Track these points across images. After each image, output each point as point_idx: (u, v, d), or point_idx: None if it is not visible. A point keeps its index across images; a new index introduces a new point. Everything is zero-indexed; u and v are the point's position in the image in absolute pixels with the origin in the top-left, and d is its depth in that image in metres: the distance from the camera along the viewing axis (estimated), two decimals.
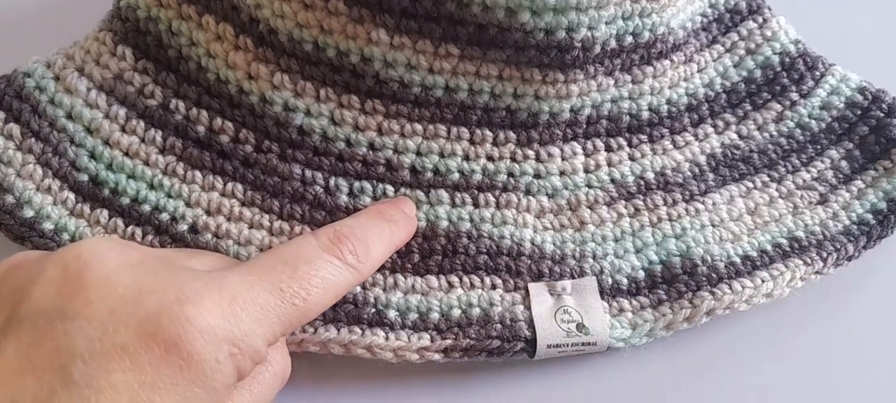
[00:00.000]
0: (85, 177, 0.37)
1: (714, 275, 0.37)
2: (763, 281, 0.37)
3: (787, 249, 0.38)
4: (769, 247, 0.38)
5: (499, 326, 0.35)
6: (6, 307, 0.27)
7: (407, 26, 0.36)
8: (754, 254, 0.38)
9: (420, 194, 0.38)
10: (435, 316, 0.36)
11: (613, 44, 0.37)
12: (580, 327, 0.36)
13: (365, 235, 0.33)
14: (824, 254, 0.38)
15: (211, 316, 0.27)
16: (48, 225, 0.36)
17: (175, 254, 0.32)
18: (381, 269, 0.37)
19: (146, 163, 0.38)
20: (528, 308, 0.36)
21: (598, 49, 0.37)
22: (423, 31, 0.36)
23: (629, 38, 0.38)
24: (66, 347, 0.26)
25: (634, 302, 0.37)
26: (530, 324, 0.36)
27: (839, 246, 0.38)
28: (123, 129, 0.38)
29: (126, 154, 0.38)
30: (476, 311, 0.36)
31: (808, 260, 0.37)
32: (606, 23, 0.36)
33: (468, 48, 0.37)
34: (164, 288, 0.27)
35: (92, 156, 0.37)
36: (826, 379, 0.37)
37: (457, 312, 0.36)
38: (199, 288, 0.27)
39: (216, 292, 0.28)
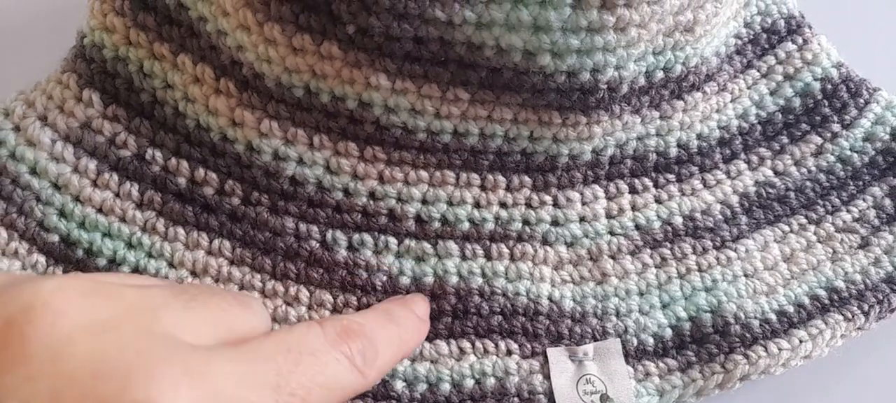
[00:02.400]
0: (55, 238, 0.35)
1: (748, 336, 0.36)
2: (801, 341, 0.36)
3: (827, 302, 0.36)
4: (806, 300, 0.37)
5: (516, 400, 0.35)
6: None
7: (410, 70, 0.34)
8: (791, 309, 0.36)
9: (427, 246, 0.36)
10: (446, 386, 0.35)
11: (642, 81, 0.35)
12: (604, 398, 0.34)
13: (374, 336, 0.30)
14: (866, 307, 0.36)
15: None
16: None
17: (162, 305, 0.25)
18: None
19: (123, 220, 0.35)
20: (548, 377, 0.35)
21: (625, 88, 0.34)
22: (429, 76, 0.34)
23: (660, 74, 0.35)
24: None
25: (661, 365, 0.36)
26: (550, 397, 0.35)
27: (882, 297, 0.37)
28: (95, 184, 0.36)
29: (99, 210, 0.35)
30: (490, 382, 0.35)
31: (849, 315, 0.36)
32: (635, 61, 0.33)
33: (479, 92, 0.34)
34: (127, 371, 0.22)
35: (61, 214, 0.35)
36: None
37: (470, 382, 0.35)
38: (174, 378, 0.22)
39: (198, 384, 0.23)
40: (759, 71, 0.40)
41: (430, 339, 0.35)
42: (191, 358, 0.23)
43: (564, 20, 0.31)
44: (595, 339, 0.36)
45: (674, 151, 0.38)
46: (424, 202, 0.36)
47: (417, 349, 0.35)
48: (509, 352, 0.35)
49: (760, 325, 0.36)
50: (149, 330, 0.24)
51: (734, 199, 0.39)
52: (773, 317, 0.36)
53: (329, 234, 0.36)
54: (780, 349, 0.35)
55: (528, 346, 0.36)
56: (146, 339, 0.23)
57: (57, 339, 0.22)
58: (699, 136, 0.39)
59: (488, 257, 0.37)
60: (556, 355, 0.35)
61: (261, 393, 0.24)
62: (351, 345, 0.28)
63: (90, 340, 0.22)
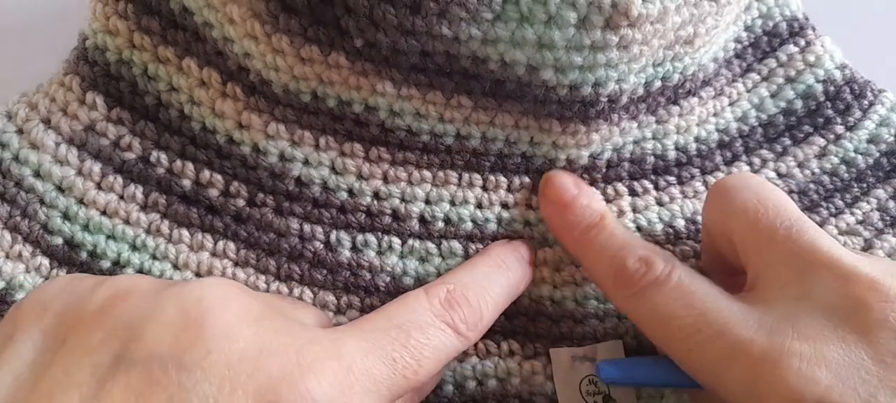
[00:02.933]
0: (59, 241, 0.35)
1: None
2: None
3: None
4: None
5: (517, 401, 0.34)
6: (115, 341, 0.26)
7: (416, 79, 0.34)
8: None
9: (431, 246, 0.36)
10: (448, 388, 0.36)
11: (641, 91, 0.35)
12: (607, 399, 0.35)
13: (479, 296, 0.33)
14: None
15: (329, 387, 0.26)
16: (21, 297, 0.34)
17: (282, 304, 0.32)
18: None
19: (127, 222, 0.36)
20: (550, 378, 0.36)
21: (625, 100, 0.34)
22: (434, 85, 0.34)
23: (658, 83, 0.36)
24: (179, 400, 0.25)
25: None
26: (552, 399, 0.36)
27: None
28: (99, 186, 0.36)
29: (104, 213, 0.36)
30: (492, 383, 0.36)
31: None
32: (636, 74, 0.33)
33: (482, 99, 0.35)
34: (285, 349, 0.27)
35: (65, 217, 0.36)
36: None
37: (472, 384, 0.36)
38: (319, 354, 0.27)
39: (335, 359, 0.27)
40: (759, 74, 0.40)
41: None
42: (326, 340, 0.28)
43: (568, 39, 0.31)
44: (597, 340, 0.37)
45: (672, 154, 0.39)
46: (428, 202, 0.37)
47: None
48: (511, 353, 0.36)
49: None
50: (289, 320, 0.29)
51: None
52: None
53: (333, 235, 0.36)
54: None
55: (531, 347, 0.36)
56: (292, 327, 0.28)
57: (227, 324, 0.26)
58: (697, 139, 0.39)
59: None
60: (559, 356, 0.36)
61: (381, 368, 0.28)
62: (454, 315, 0.31)
63: (250, 325, 0.27)
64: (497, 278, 0.34)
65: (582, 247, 0.35)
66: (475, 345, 0.36)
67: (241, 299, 0.28)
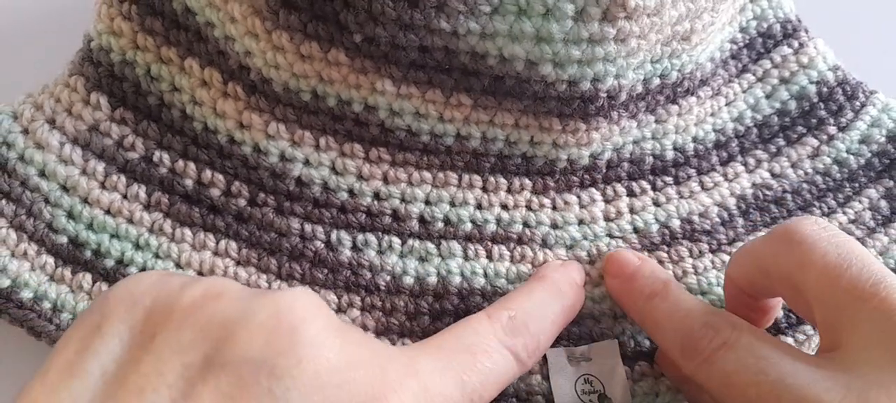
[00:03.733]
0: (64, 239, 0.36)
1: None
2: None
3: None
4: None
5: (514, 400, 0.35)
6: (206, 342, 0.25)
7: (415, 77, 0.34)
8: (780, 314, 0.37)
9: (431, 246, 0.37)
10: None
11: (639, 88, 0.36)
12: (602, 398, 0.35)
13: (539, 326, 0.33)
14: None
15: None
16: (27, 294, 0.35)
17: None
18: (388, 334, 0.36)
19: (130, 221, 0.36)
20: (546, 378, 0.36)
21: (624, 96, 0.35)
22: (433, 82, 0.34)
23: (656, 81, 0.36)
24: None
25: (656, 366, 0.36)
26: (548, 397, 0.36)
27: None
28: (103, 186, 0.36)
29: (107, 212, 0.36)
30: None
31: None
32: (634, 69, 0.34)
33: (482, 98, 0.35)
34: (370, 364, 0.27)
35: (70, 216, 0.36)
36: None
37: None
38: (400, 371, 0.27)
39: (413, 378, 0.27)
40: (754, 75, 0.41)
41: None
42: (405, 357, 0.28)
43: (566, 32, 0.32)
44: (593, 340, 0.37)
45: (670, 154, 0.39)
46: (428, 202, 0.37)
47: None
48: None
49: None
50: (365, 334, 0.30)
51: (731, 202, 0.40)
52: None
53: (334, 235, 0.37)
54: None
55: None
56: (371, 341, 0.29)
57: (317, 333, 0.26)
58: (695, 139, 0.40)
59: (490, 258, 0.38)
60: (555, 355, 0.36)
61: (453, 390, 0.28)
62: (517, 341, 0.31)
63: (337, 337, 0.26)
64: (553, 305, 0.34)
65: (647, 316, 0.35)
66: None
67: (326, 310, 0.27)
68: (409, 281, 0.37)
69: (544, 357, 0.36)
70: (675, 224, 0.39)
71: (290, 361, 0.25)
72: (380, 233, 0.37)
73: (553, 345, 0.37)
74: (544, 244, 0.38)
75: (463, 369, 0.29)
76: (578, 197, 0.39)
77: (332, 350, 0.26)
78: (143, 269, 0.36)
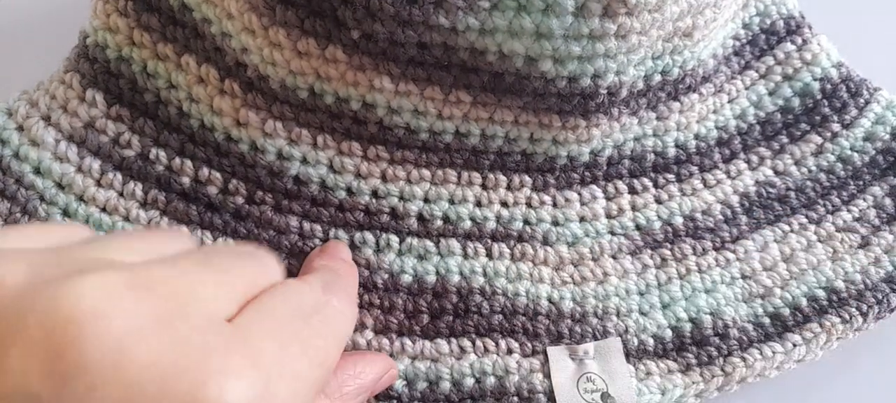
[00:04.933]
0: None
1: (745, 339, 0.36)
2: (795, 345, 0.37)
3: (825, 303, 0.37)
4: (804, 302, 0.37)
5: (516, 399, 0.35)
6: None
7: (414, 74, 0.34)
8: (787, 312, 0.37)
9: (429, 244, 0.37)
10: (446, 385, 0.35)
11: (640, 85, 0.35)
12: (605, 397, 0.35)
13: (337, 277, 0.32)
14: (864, 307, 0.37)
15: (248, 389, 0.22)
16: None
17: (198, 283, 0.24)
18: (387, 333, 0.35)
19: (126, 219, 0.36)
20: (548, 376, 0.36)
21: (624, 93, 0.35)
22: (433, 79, 0.34)
23: (657, 77, 0.36)
24: None
25: (661, 365, 0.36)
26: (550, 395, 0.35)
27: (881, 297, 0.37)
28: (99, 183, 0.36)
29: (103, 210, 0.36)
30: (490, 380, 0.35)
31: (846, 317, 0.37)
32: (635, 66, 0.34)
33: (481, 95, 0.35)
34: (195, 368, 0.22)
35: (65, 213, 0.36)
36: None
37: (470, 381, 0.35)
38: (235, 365, 0.22)
39: (252, 367, 0.23)
40: (757, 72, 0.41)
41: (431, 337, 0.36)
42: (240, 343, 0.23)
43: (566, 28, 0.31)
44: (595, 338, 0.36)
45: (672, 151, 0.39)
46: (426, 200, 0.37)
47: (419, 348, 0.36)
48: (510, 351, 0.36)
49: (754, 329, 0.37)
50: (196, 319, 0.23)
51: (734, 199, 0.39)
52: (768, 321, 0.37)
53: (332, 232, 0.37)
54: (773, 352, 0.36)
55: (529, 345, 0.36)
56: (199, 332, 0.23)
57: (113, 345, 0.20)
58: (697, 136, 0.39)
59: (490, 256, 0.37)
60: (557, 353, 0.36)
61: (299, 364, 0.25)
62: (332, 293, 0.29)
63: (147, 342, 0.21)
64: (340, 267, 0.34)
65: None
66: (473, 343, 0.36)
67: (127, 303, 0.21)
68: (407, 279, 0.37)
69: (545, 355, 0.36)
70: (678, 221, 0.38)
71: (77, 390, 0.20)
72: (378, 231, 0.37)
73: (555, 344, 0.36)
74: (545, 241, 0.38)
75: (300, 335, 0.25)
76: (579, 194, 0.38)
77: (136, 363, 0.20)
78: None
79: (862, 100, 0.40)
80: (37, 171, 0.36)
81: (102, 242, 0.25)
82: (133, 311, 0.21)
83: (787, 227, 0.39)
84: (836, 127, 0.40)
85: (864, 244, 0.38)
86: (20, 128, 0.36)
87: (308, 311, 0.27)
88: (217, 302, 0.24)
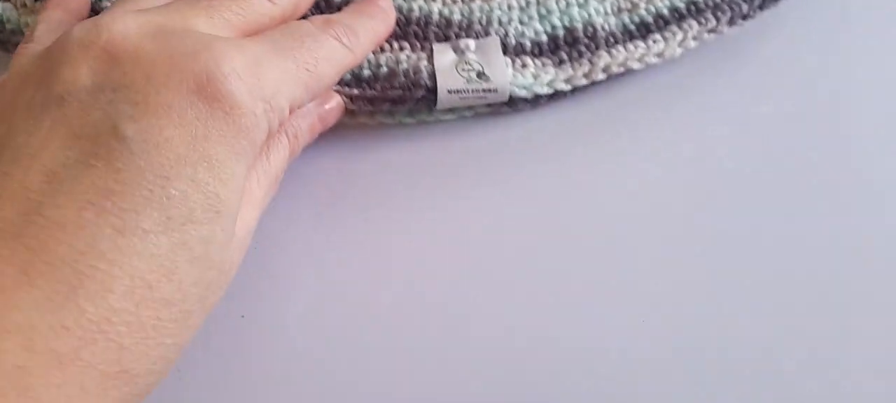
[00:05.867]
0: None
1: (612, 39, 0.41)
2: (655, 42, 0.40)
3: (685, 12, 0.41)
4: (666, 11, 0.41)
5: (403, 78, 0.39)
6: (41, 89, 0.28)
7: None
8: (650, 19, 0.41)
9: None
10: (346, 76, 0.40)
11: None
12: (480, 75, 0.39)
13: (353, 24, 0.36)
14: (719, 14, 0.41)
15: (244, 74, 0.29)
16: None
17: (192, 16, 0.32)
18: None
19: None
20: (432, 62, 0.39)
21: None
22: None
23: None
24: (114, 112, 0.27)
25: (537, 62, 0.40)
26: (432, 75, 0.40)
27: (735, 5, 0.41)
28: None
29: None
30: (384, 70, 0.40)
31: (703, 21, 0.41)
32: None
33: None
34: (195, 50, 0.29)
35: None
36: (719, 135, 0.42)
37: (367, 73, 0.40)
38: (228, 50, 0.29)
39: (241, 53, 0.30)
40: None
41: None
42: (229, 42, 0.30)
43: None
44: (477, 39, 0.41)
45: None
46: None
47: None
48: (401, 49, 0.41)
49: (622, 33, 0.41)
50: (193, 29, 0.31)
51: None
52: (633, 28, 0.42)
53: None
54: (636, 47, 0.41)
55: (419, 44, 0.41)
56: (195, 33, 0.30)
57: (133, 45, 0.29)
58: None
59: None
60: (441, 47, 0.41)
61: (285, 63, 0.31)
62: (336, 29, 0.35)
63: (154, 40, 0.29)
64: (365, 20, 0.38)
65: None
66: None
67: (137, 22, 0.30)
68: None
69: (432, 50, 0.41)
70: None
71: (116, 74, 0.28)
72: None
73: (439, 42, 0.41)
74: None
75: (291, 49, 0.32)
76: None
77: (152, 52, 0.29)
78: None
79: None
80: None
81: None
82: (140, 27, 0.30)
83: None
84: None
85: None
86: None
87: (304, 36, 0.33)
88: (211, 30, 0.32)
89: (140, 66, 0.28)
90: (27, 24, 0.41)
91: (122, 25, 0.29)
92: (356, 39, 0.36)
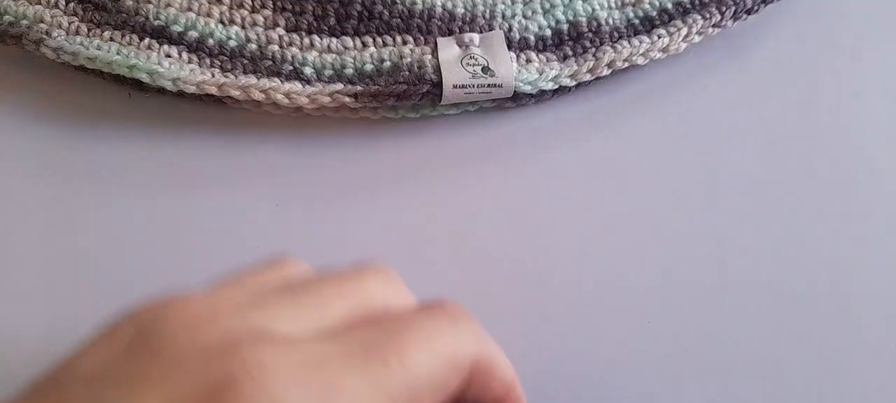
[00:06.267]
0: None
1: (616, 34, 0.41)
2: (659, 37, 0.40)
3: (689, 7, 0.41)
4: (670, 6, 0.41)
5: (407, 73, 0.39)
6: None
7: None
8: (654, 14, 0.41)
9: None
10: (349, 71, 0.40)
11: None
12: (486, 70, 0.39)
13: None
14: (723, 8, 0.41)
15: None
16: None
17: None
18: (297, 30, 0.40)
19: None
20: (437, 57, 0.39)
21: None
22: None
23: None
24: None
25: (542, 57, 0.40)
26: (437, 70, 0.40)
27: (739, 0, 0.41)
28: None
29: None
30: (387, 65, 0.40)
31: (707, 15, 0.41)
32: None
33: None
34: None
35: None
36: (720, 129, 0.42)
37: (370, 67, 0.40)
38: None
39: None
40: None
41: (337, 36, 0.41)
42: (299, 356, 0.22)
43: None
44: (481, 33, 0.41)
45: None
46: None
47: (326, 43, 0.41)
48: (405, 43, 0.41)
49: (626, 27, 0.41)
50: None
51: None
52: (638, 22, 0.42)
53: None
54: (640, 42, 0.41)
55: (422, 38, 0.41)
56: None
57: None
58: None
59: None
60: (445, 41, 0.41)
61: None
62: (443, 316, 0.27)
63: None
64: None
65: None
66: (373, 39, 0.40)
67: (288, 383, 0.21)
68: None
69: (436, 44, 0.41)
70: None
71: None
72: None
73: (443, 36, 0.41)
74: None
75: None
76: None
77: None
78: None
79: None
80: None
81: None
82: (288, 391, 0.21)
83: None
84: None
85: None
86: None
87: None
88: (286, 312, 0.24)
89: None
90: (25, 16, 0.40)
91: (270, 382, 0.21)
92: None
